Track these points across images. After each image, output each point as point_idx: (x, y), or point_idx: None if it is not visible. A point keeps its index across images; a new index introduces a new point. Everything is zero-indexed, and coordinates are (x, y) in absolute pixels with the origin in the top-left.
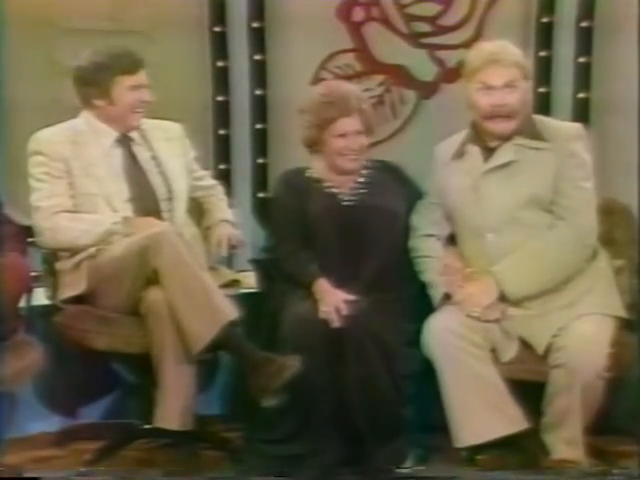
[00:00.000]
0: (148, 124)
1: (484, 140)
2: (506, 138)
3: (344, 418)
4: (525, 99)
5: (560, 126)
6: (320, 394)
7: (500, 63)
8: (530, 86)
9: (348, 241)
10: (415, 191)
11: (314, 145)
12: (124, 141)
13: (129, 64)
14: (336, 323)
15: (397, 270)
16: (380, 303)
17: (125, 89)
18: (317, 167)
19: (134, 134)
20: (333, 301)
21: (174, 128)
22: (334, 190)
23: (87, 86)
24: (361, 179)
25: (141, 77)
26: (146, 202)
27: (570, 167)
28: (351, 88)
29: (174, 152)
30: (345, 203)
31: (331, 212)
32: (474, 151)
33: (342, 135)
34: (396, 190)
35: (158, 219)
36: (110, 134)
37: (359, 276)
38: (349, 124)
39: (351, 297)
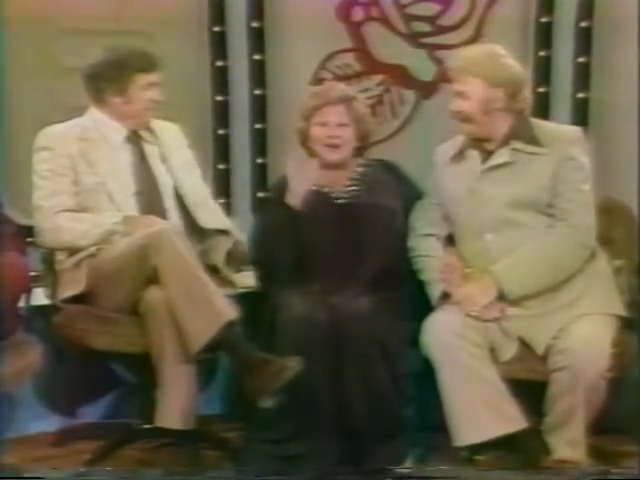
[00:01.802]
0: (157, 123)
1: (482, 143)
2: (503, 141)
3: (343, 418)
4: (489, 107)
5: (558, 130)
6: (319, 394)
7: (457, 72)
8: (506, 92)
9: (343, 240)
10: (412, 189)
11: (304, 140)
12: (134, 138)
13: (146, 63)
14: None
15: (395, 269)
16: (379, 302)
17: (141, 87)
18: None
19: (144, 132)
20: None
21: (175, 128)
22: (327, 189)
23: (103, 82)
24: (355, 177)
25: (156, 76)
26: (151, 198)
27: (569, 170)
28: (342, 86)
29: (181, 150)
30: (338, 201)
31: (323, 210)
32: (473, 154)
33: (323, 124)
34: (391, 188)
35: (162, 215)
36: (120, 131)
37: (356, 274)
38: (331, 113)
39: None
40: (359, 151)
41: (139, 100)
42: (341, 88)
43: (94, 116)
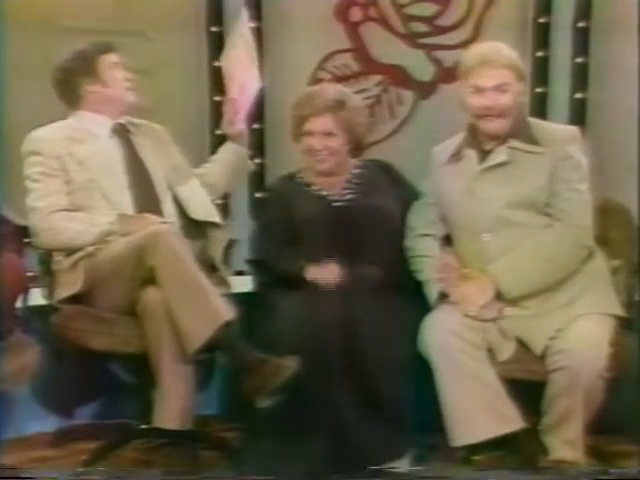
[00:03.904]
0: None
1: (480, 143)
2: (501, 140)
3: (342, 418)
4: (518, 100)
5: (555, 129)
6: (317, 394)
7: (491, 65)
8: (524, 87)
9: (340, 242)
10: (409, 189)
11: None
12: (121, 130)
13: (104, 45)
14: (330, 285)
15: (392, 269)
16: (376, 303)
17: (111, 65)
18: (307, 169)
19: (131, 125)
20: (325, 272)
21: (162, 130)
22: (323, 192)
23: (76, 76)
24: (351, 179)
25: (117, 56)
26: (145, 191)
27: (566, 169)
28: (334, 89)
29: (171, 146)
30: (334, 204)
31: (320, 214)
32: (470, 154)
33: (309, 133)
34: (388, 189)
35: (157, 209)
36: (105, 124)
37: (353, 276)
38: (317, 123)
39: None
40: (355, 152)
41: (115, 80)
42: (329, 94)
43: (77, 115)
